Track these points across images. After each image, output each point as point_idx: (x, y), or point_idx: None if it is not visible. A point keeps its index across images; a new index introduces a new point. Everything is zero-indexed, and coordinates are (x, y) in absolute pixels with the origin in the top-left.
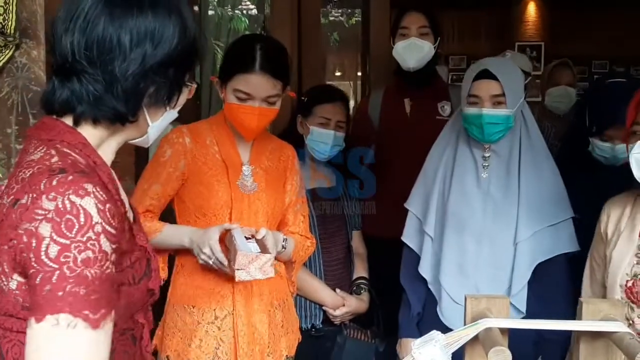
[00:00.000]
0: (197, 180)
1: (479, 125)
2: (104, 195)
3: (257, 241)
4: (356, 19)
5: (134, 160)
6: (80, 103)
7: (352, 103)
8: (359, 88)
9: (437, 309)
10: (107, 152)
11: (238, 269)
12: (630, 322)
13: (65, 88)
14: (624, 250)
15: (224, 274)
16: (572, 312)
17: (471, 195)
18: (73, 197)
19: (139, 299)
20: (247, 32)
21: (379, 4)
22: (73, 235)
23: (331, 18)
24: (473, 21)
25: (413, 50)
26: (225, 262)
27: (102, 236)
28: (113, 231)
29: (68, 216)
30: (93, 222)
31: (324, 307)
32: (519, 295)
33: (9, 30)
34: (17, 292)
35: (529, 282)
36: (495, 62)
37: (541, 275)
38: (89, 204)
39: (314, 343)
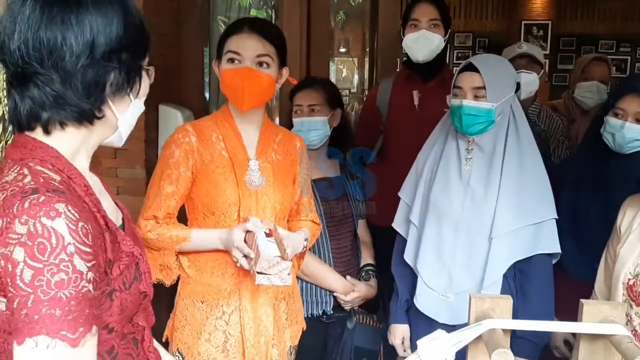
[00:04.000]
0: (205, 178)
1: (459, 116)
2: (76, 215)
3: (275, 238)
4: None
5: (144, 147)
6: (43, 109)
7: (356, 78)
8: (367, 65)
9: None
10: (83, 160)
11: (259, 272)
12: (629, 318)
13: (25, 98)
14: (631, 248)
15: (231, 272)
16: (549, 312)
17: (452, 186)
18: (44, 220)
19: (132, 303)
20: (252, 8)
21: None
22: (45, 259)
23: None
24: None
25: (423, 43)
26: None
27: (75, 256)
28: (87, 249)
29: (40, 239)
30: (65, 244)
31: (334, 294)
32: (491, 288)
33: None
34: (7, 312)
35: (511, 279)
36: (483, 56)
37: (521, 273)
38: (60, 225)
39: (325, 329)
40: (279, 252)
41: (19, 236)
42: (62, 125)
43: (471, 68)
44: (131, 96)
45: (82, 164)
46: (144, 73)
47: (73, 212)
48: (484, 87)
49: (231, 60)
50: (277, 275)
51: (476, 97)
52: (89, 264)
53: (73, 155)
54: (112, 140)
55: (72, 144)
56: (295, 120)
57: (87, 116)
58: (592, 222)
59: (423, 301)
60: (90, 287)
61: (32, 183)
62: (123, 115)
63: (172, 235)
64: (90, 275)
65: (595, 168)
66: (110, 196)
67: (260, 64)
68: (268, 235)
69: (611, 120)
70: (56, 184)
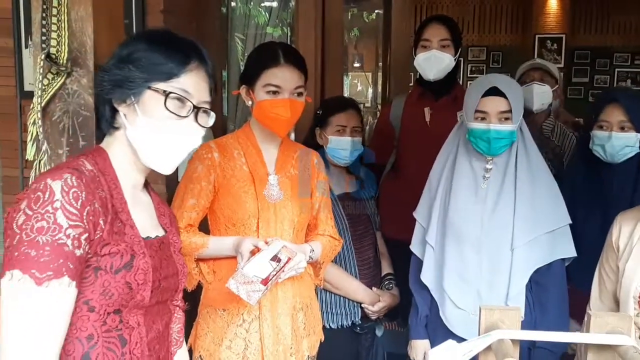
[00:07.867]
0: (226, 192)
1: (487, 140)
2: (74, 182)
3: (283, 261)
4: (377, 12)
5: None
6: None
7: (370, 93)
8: (380, 79)
9: (441, 314)
10: (133, 174)
11: (233, 278)
12: (638, 327)
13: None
14: (638, 262)
15: None
16: (565, 322)
17: (469, 206)
18: (48, 180)
19: (116, 289)
20: (267, 26)
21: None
22: (36, 208)
23: (352, 13)
24: (494, 12)
25: (433, 62)
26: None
27: (59, 211)
28: (73, 211)
29: (38, 193)
30: (54, 199)
31: (362, 305)
32: (516, 299)
33: (61, 60)
34: None
35: (527, 291)
36: (502, 79)
37: (537, 285)
38: (57, 185)
39: (356, 338)
40: (264, 275)
41: (30, 190)
42: (102, 132)
43: (495, 92)
44: (136, 107)
45: (132, 178)
46: (153, 93)
47: (74, 181)
48: (509, 111)
49: (271, 92)
50: (246, 292)
51: (500, 120)
52: (71, 222)
53: (122, 166)
54: (156, 167)
55: (118, 155)
56: (336, 138)
57: (105, 119)
58: (592, 233)
59: (453, 321)
60: (69, 242)
61: (68, 162)
62: (133, 126)
63: (192, 242)
64: (70, 232)
65: (590, 181)
66: (156, 214)
67: (298, 94)
68: (273, 259)
69: (598, 133)
70: (82, 168)
